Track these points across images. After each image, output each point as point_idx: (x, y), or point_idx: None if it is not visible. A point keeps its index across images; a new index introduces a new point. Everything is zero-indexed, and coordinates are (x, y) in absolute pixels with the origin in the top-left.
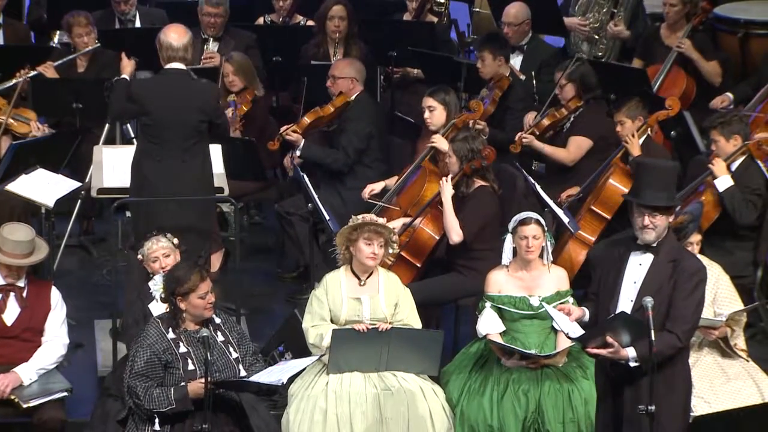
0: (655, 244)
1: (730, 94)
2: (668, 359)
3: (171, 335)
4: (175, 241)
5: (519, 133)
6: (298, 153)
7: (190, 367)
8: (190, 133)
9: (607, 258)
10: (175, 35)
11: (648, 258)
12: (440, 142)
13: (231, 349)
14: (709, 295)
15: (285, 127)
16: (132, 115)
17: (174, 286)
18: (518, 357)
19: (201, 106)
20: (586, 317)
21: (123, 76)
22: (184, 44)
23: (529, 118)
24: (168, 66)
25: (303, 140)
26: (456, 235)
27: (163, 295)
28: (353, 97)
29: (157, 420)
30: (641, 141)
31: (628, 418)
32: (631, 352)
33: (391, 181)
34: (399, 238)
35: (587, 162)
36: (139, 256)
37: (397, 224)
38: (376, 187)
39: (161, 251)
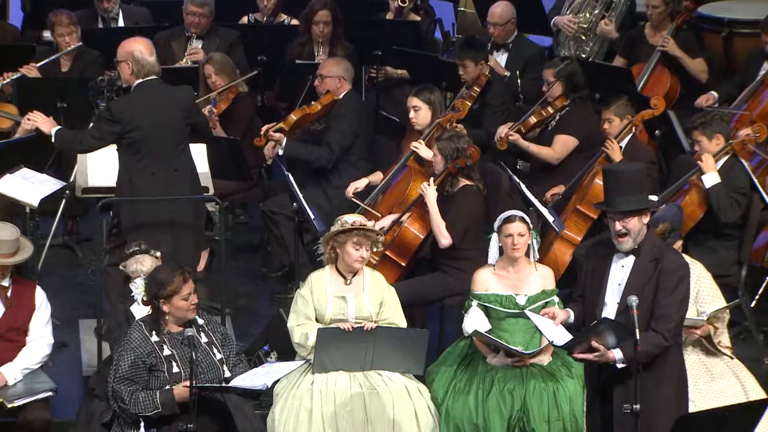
0: (636, 246)
1: (714, 93)
2: (657, 358)
3: (155, 338)
4: (158, 254)
5: (505, 130)
6: (281, 152)
7: (175, 369)
8: (178, 139)
9: (592, 261)
10: (146, 50)
11: (630, 260)
12: (422, 150)
13: (215, 350)
14: (691, 294)
15: (268, 126)
16: (115, 137)
17: (156, 289)
18: (503, 353)
19: (183, 111)
20: (571, 319)
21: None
22: (153, 60)
23: (501, 130)
24: (140, 80)
25: (285, 138)
26: (445, 239)
27: (145, 298)
28: (341, 96)
29: (142, 424)
30: (626, 140)
31: (618, 418)
32: (617, 353)
33: (375, 177)
34: (384, 237)
35: (572, 161)
36: (121, 267)
37: (386, 222)
38: (360, 184)
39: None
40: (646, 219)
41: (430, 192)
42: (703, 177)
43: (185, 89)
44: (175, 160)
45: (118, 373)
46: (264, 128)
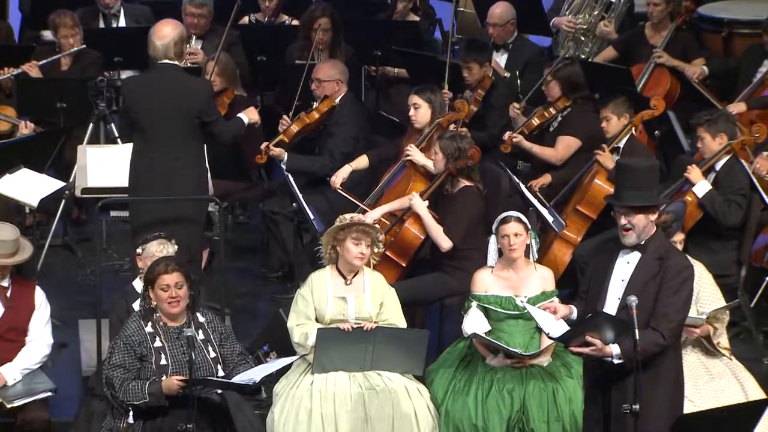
0: (642, 242)
1: (705, 67)
2: (654, 357)
3: (149, 329)
4: (176, 246)
5: (508, 133)
6: (284, 166)
7: (162, 362)
8: (180, 130)
9: (597, 257)
10: (159, 34)
11: (635, 256)
12: (415, 154)
13: (210, 348)
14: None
15: (267, 143)
16: (124, 112)
17: (146, 275)
18: (503, 355)
19: (190, 102)
20: (574, 315)
21: None
22: (165, 44)
23: (514, 108)
24: (161, 61)
25: (286, 154)
26: (445, 242)
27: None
28: (338, 100)
29: (131, 413)
30: (625, 140)
31: (615, 416)
32: (615, 349)
33: (358, 164)
34: (384, 237)
35: (574, 161)
36: (139, 250)
37: (376, 214)
38: (344, 173)
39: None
40: (652, 216)
41: (416, 202)
42: (693, 189)
43: (202, 83)
44: (177, 149)
45: (111, 361)
46: (264, 144)
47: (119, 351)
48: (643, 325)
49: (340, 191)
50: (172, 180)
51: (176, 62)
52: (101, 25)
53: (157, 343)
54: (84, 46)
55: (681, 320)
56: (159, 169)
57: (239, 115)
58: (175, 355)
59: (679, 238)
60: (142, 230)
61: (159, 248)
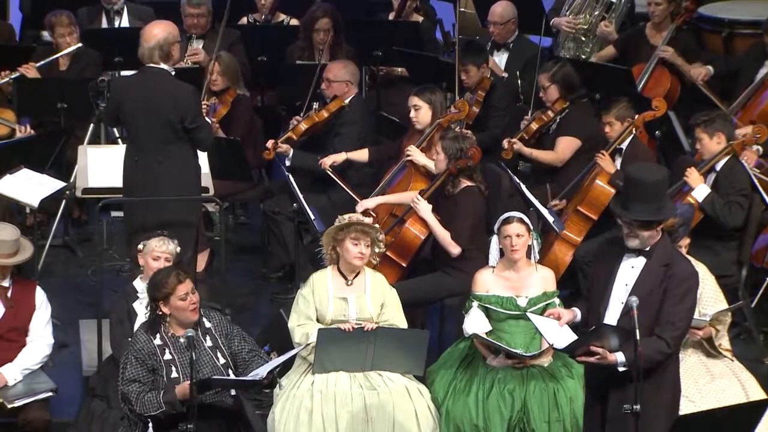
0: (647, 248)
1: (710, 67)
2: (658, 364)
3: (157, 341)
4: (177, 245)
5: (507, 139)
6: (288, 163)
7: (173, 374)
8: (163, 133)
9: (601, 258)
10: (145, 36)
11: (640, 261)
12: (416, 155)
13: (219, 354)
14: None
15: (274, 141)
16: (111, 111)
17: (153, 291)
18: (504, 355)
19: (174, 106)
20: (578, 318)
21: None
22: (150, 47)
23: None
24: (147, 65)
25: (292, 150)
26: (454, 248)
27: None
28: (347, 101)
29: (151, 425)
30: (627, 141)
31: (614, 418)
32: (619, 356)
33: (354, 155)
34: (385, 237)
35: (574, 161)
36: (140, 246)
37: (370, 203)
38: (338, 158)
39: (165, 255)
40: (658, 227)
41: (422, 205)
42: (693, 193)
43: (187, 89)
44: (160, 152)
45: (125, 376)
46: (270, 142)
47: (131, 366)
48: (646, 331)
49: (329, 172)
50: (156, 182)
51: (163, 65)
52: (104, 23)
53: (167, 356)
54: (80, 44)
55: (685, 328)
56: (143, 171)
57: None
58: (186, 366)
59: (685, 242)
60: (134, 231)
61: (159, 244)
